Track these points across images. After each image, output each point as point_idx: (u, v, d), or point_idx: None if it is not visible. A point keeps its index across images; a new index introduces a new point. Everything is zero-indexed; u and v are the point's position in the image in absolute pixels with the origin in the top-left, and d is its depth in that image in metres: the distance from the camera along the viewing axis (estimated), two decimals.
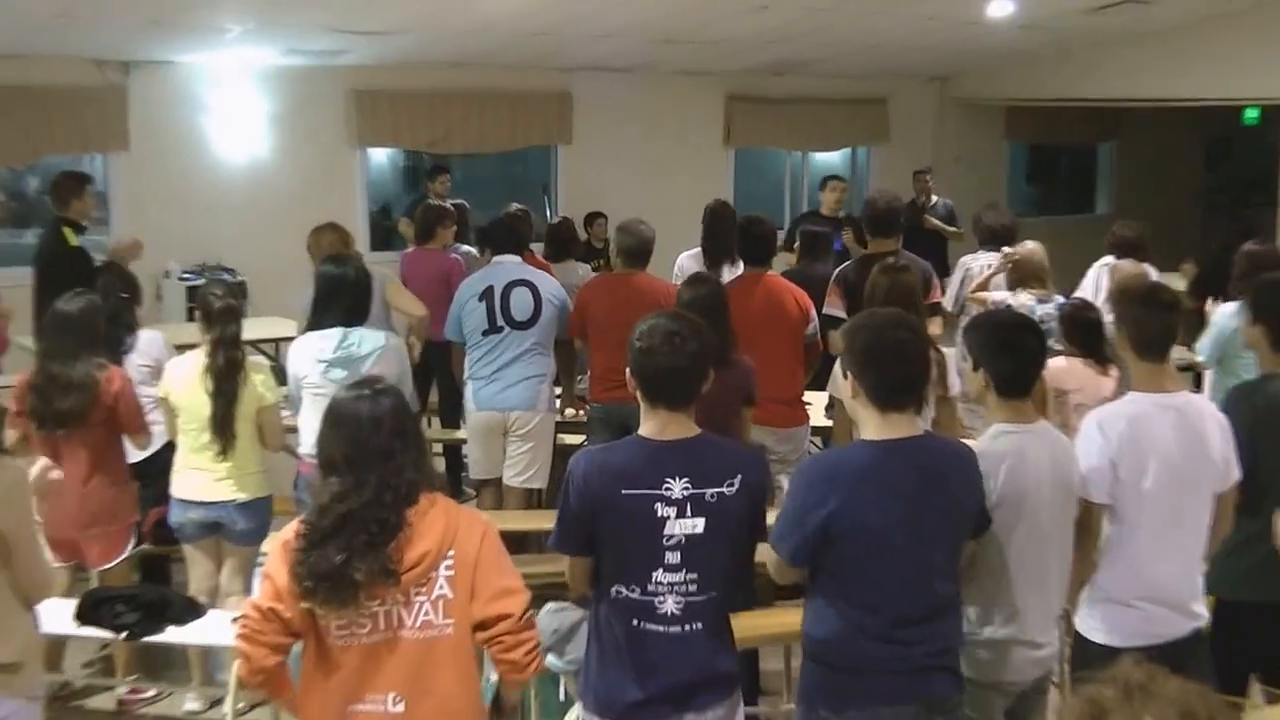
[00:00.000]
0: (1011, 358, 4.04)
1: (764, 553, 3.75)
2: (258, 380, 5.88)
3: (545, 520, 3.72)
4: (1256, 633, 4.54)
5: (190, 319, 8.17)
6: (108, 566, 5.92)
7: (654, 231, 7.37)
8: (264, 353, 9.48)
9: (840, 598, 3.61)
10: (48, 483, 4.09)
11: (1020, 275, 7.50)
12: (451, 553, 3.31)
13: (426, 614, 3.31)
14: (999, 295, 7.54)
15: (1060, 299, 7.15)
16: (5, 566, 3.69)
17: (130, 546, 6.05)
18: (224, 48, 11.20)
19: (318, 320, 6.17)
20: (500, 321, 7.06)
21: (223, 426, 5.74)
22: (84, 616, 5.46)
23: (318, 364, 6.00)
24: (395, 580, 3.23)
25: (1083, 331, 6.18)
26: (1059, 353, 6.15)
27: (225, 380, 5.74)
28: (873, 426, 3.65)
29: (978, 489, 3.74)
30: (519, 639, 3.34)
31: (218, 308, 5.82)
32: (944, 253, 11.62)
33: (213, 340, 5.78)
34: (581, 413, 7.66)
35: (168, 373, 6.00)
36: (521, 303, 7.07)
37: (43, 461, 4.16)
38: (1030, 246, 7.70)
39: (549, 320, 7.12)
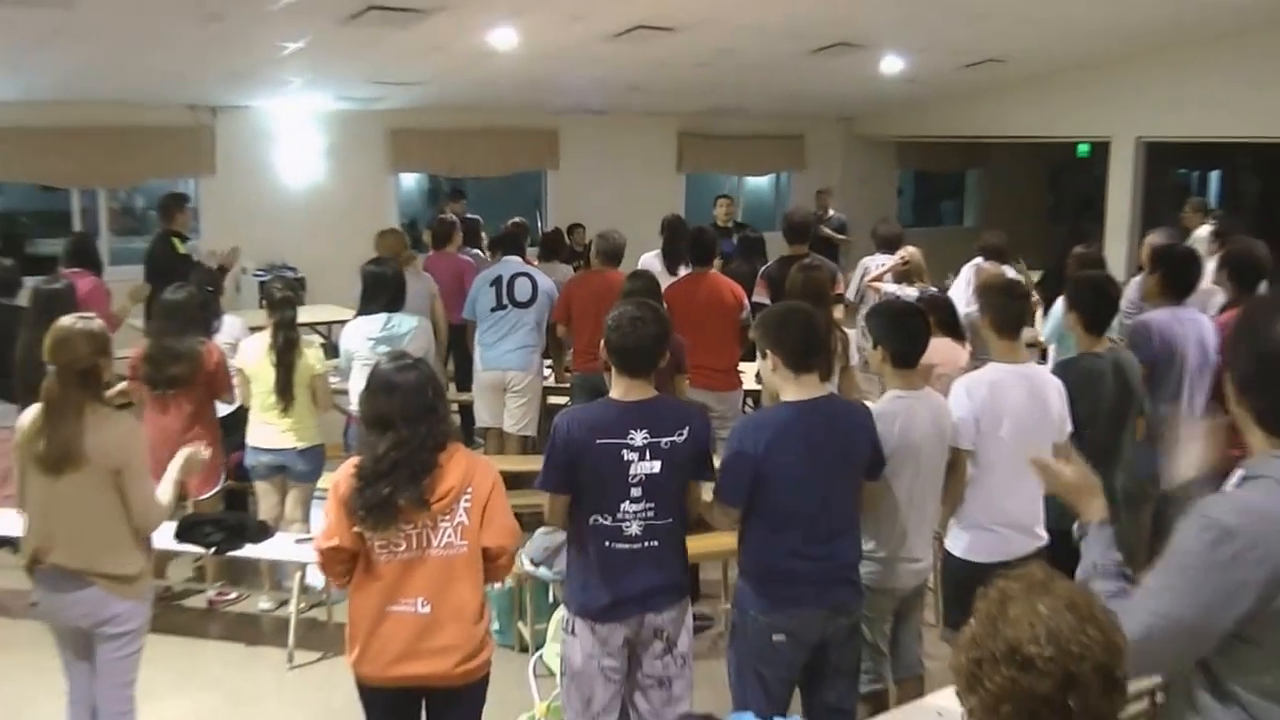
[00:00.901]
0: (905, 337, 4.09)
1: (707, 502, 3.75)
2: (310, 354, 5.88)
3: (537, 463, 3.70)
4: (1073, 552, 4.55)
5: (261, 306, 8.13)
6: (203, 497, 5.94)
7: (625, 238, 7.39)
8: (319, 332, 9.47)
9: (766, 526, 3.61)
10: (197, 459, 4.13)
11: (906, 273, 7.53)
12: (470, 490, 3.32)
13: (448, 537, 3.32)
14: (890, 287, 7.55)
15: (934, 290, 7.17)
16: (122, 498, 3.71)
17: (221, 482, 6.06)
18: (289, 95, 11.19)
19: (365, 308, 6.26)
20: (505, 301, 7.17)
21: (284, 390, 5.76)
22: (181, 535, 5.56)
23: (367, 341, 6.08)
24: (427, 508, 3.26)
25: (941, 315, 6.15)
26: None
27: (285, 354, 5.76)
28: (790, 390, 3.65)
29: (872, 439, 3.74)
30: (506, 567, 3.49)
31: (279, 297, 5.85)
32: (836, 255, 11.60)
33: (275, 323, 5.80)
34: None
35: (241, 348, 6.01)
36: (523, 289, 7.19)
37: (192, 447, 4.17)
38: (912, 251, 7.72)
39: (542, 304, 7.21)
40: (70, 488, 3.66)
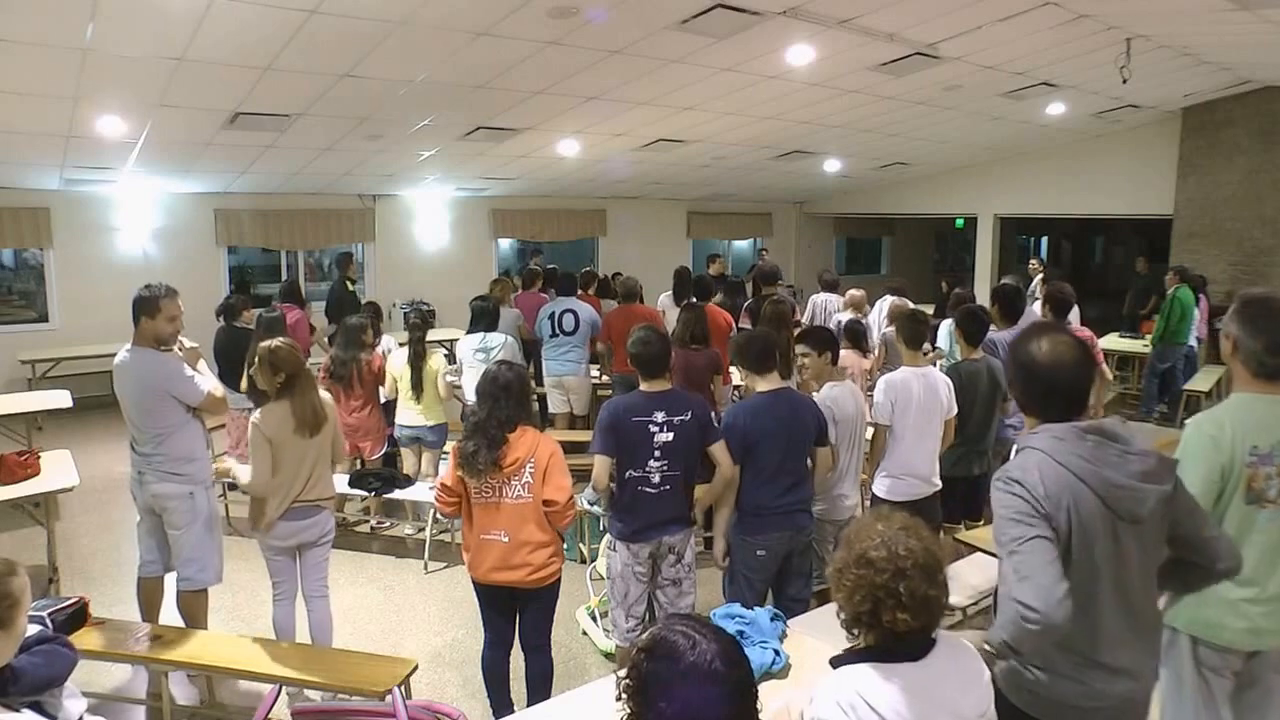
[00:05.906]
0: (835, 348, 4.14)
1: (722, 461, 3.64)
2: (435, 361, 5.82)
3: (588, 435, 3.61)
4: (957, 493, 4.53)
5: (405, 329, 8.13)
6: (373, 457, 5.92)
7: (638, 282, 7.23)
8: (444, 346, 9.42)
9: (753, 477, 3.57)
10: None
11: (851, 305, 7.45)
12: (533, 459, 3.24)
13: (518, 491, 3.25)
14: (841, 315, 7.42)
15: (860, 318, 7.08)
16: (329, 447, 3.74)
17: (383, 448, 6.03)
18: (425, 187, 11.22)
19: (472, 329, 6.20)
20: (557, 331, 7.04)
21: (418, 386, 5.72)
22: (353, 483, 5.55)
23: (472, 351, 6.04)
24: (500, 469, 3.21)
25: (853, 336, 6.14)
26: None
27: (417, 361, 5.72)
28: (761, 385, 3.64)
29: (817, 416, 3.70)
30: (562, 514, 3.30)
31: (414, 322, 5.82)
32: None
33: (412, 340, 5.75)
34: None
35: (391, 358, 5.96)
36: (568, 321, 7.05)
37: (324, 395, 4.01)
38: (856, 293, 7.63)
39: (584, 330, 7.07)
40: (315, 445, 3.66)
